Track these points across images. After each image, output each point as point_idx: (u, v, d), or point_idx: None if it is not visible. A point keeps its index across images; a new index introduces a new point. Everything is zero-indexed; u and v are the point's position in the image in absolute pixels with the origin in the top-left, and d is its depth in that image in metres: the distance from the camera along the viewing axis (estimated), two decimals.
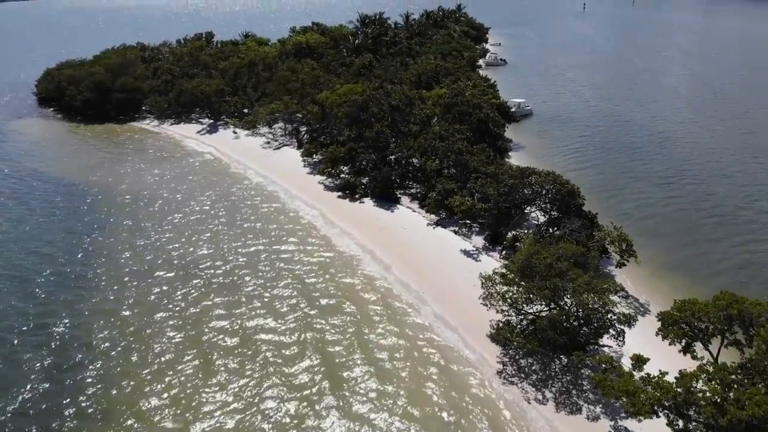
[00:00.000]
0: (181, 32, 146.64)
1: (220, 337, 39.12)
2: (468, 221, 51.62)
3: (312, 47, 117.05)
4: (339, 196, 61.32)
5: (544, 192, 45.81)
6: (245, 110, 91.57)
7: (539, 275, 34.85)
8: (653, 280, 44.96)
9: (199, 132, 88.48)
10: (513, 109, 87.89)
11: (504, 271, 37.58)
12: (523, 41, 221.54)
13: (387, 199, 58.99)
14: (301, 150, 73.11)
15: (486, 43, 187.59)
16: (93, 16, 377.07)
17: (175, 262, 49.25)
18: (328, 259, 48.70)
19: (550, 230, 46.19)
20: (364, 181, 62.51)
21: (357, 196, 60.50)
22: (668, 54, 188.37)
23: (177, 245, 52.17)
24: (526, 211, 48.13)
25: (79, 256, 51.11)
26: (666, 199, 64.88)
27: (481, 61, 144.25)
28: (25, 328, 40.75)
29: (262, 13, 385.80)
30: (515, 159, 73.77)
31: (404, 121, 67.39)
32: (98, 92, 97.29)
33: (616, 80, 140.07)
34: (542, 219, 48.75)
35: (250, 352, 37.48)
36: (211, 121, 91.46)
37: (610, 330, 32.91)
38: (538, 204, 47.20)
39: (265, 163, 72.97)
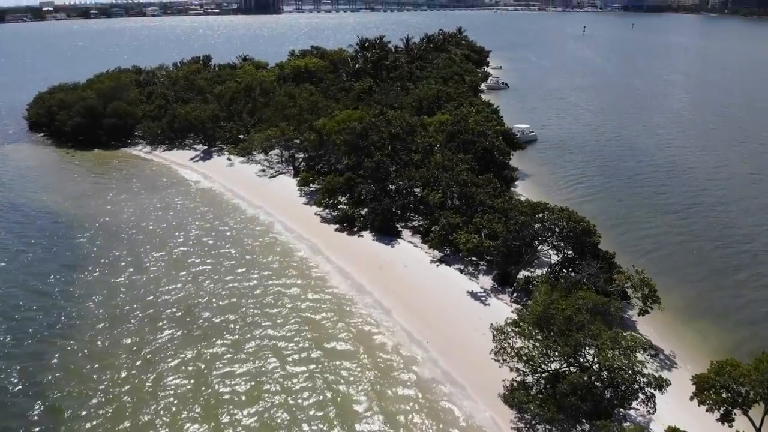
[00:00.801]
0: (190, 53, 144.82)
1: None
2: (474, 258, 47.98)
3: (311, 71, 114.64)
4: (336, 229, 57.73)
5: (557, 230, 42.20)
6: (241, 136, 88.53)
7: (557, 328, 31.12)
8: (678, 327, 41.11)
9: (192, 159, 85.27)
10: (517, 135, 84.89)
11: (517, 318, 33.84)
12: (524, 64, 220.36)
13: (387, 233, 55.40)
14: (298, 178, 69.74)
15: (487, 66, 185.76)
16: (102, 36, 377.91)
17: (155, 302, 45.46)
18: (321, 303, 44.86)
19: (565, 271, 42.49)
20: (362, 212, 59.06)
21: (355, 229, 56.94)
22: (670, 77, 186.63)
23: (159, 283, 48.44)
24: (537, 248, 44.44)
25: (50, 296, 47.27)
26: (679, 230, 61.42)
27: (482, 85, 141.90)
28: None
29: (267, 35, 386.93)
30: (521, 188, 70.47)
31: (405, 149, 64.16)
32: (89, 117, 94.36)
33: (619, 104, 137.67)
34: (555, 257, 45.08)
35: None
36: (205, 147, 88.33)
37: (639, 394, 29.05)
38: (551, 241, 43.57)
39: (260, 193, 69.54)
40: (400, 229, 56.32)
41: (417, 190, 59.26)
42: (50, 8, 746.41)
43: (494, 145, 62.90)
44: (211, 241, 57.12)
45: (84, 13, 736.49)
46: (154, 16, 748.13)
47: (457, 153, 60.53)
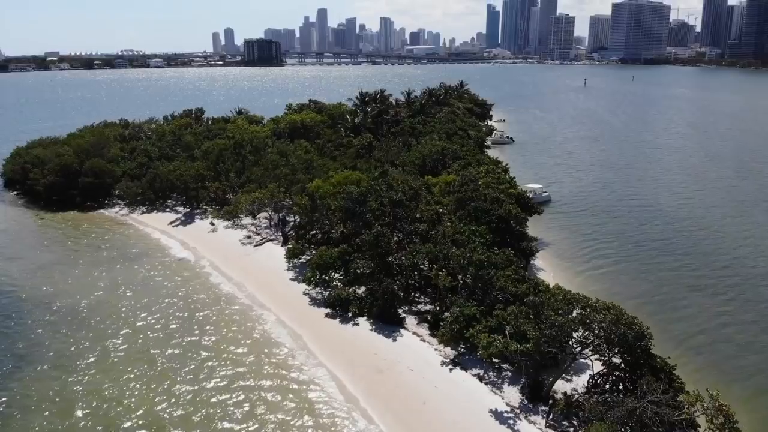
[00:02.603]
0: (187, 105, 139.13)
1: None
2: (497, 360, 38.95)
3: (307, 126, 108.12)
4: (327, 314, 48.81)
5: (602, 334, 33.36)
6: (229, 196, 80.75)
7: None
8: None
9: (172, 223, 77.08)
10: (530, 196, 77.13)
11: None
12: (528, 117, 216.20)
13: (388, 321, 46.49)
14: (287, 248, 61.35)
15: (490, 119, 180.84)
16: (103, 86, 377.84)
17: (114, 418, 36.19)
18: (299, 419, 35.59)
19: (613, 387, 33.44)
20: (359, 292, 50.39)
21: (350, 315, 48.05)
22: (678, 129, 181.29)
23: (120, 388, 39.27)
24: (576, 355, 35.44)
25: None
26: (717, 311, 53.09)
27: (488, 140, 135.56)
28: None
29: (269, 87, 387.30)
30: (541, 260, 62.01)
31: (408, 217, 55.98)
32: (64, 176, 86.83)
33: (630, 158, 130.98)
34: (597, 364, 36.08)
35: None
36: (188, 209, 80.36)
37: None
38: (593, 344, 34.63)
39: (242, 265, 60.92)
40: (403, 315, 47.44)
41: (423, 264, 50.90)
42: (55, 58, 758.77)
43: (511, 214, 54.73)
44: (181, 328, 48.20)
45: (88, 63, 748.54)
46: (157, 67, 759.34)
47: (469, 223, 52.32)
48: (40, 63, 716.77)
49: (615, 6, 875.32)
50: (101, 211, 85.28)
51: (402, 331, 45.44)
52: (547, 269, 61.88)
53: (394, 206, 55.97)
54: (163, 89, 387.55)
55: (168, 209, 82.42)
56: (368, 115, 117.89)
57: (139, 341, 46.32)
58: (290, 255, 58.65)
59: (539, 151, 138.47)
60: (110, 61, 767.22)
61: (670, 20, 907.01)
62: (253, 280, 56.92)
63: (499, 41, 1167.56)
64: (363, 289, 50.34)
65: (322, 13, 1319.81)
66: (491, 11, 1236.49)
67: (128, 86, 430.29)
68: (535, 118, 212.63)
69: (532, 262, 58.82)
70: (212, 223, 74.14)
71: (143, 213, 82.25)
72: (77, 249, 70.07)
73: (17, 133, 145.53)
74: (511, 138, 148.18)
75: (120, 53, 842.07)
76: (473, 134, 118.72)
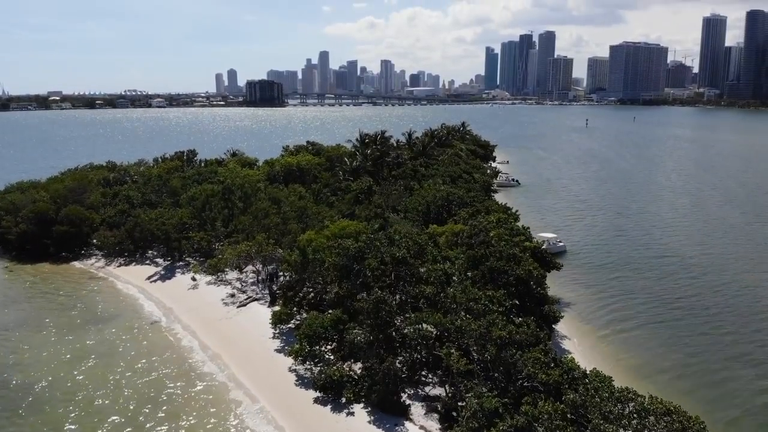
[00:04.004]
0: (184, 145, 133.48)
1: None
2: None
3: (303, 169, 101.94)
4: (317, 399, 40.97)
5: None
6: (217, 245, 73.68)
7: None
8: None
9: (150, 278, 69.72)
10: (543, 246, 70.06)
11: None
12: (531, 157, 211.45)
13: (389, 410, 38.67)
14: (273, 310, 53.86)
15: (494, 161, 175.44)
16: (102, 126, 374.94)
17: None
18: None
19: None
20: (355, 369, 42.80)
21: (344, 401, 40.24)
22: (690, 171, 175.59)
23: None
24: None
25: None
26: None
27: (493, 183, 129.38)
28: None
29: (269, 128, 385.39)
30: (563, 324, 54.29)
31: (413, 277, 48.72)
32: (38, 224, 79.95)
33: (643, 202, 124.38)
34: None
35: None
36: (168, 262, 73.15)
37: None
38: None
39: (222, 332, 53.29)
40: (407, 401, 39.63)
41: (429, 328, 43.46)
42: (57, 98, 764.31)
43: (531, 274, 47.50)
44: (143, 414, 40.38)
45: (89, 103, 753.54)
46: (159, 107, 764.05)
47: (484, 286, 45.08)
48: (42, 102, 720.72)
49: (612, 48, 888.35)
50: (76, 262, 78.09)
51: (407, 424, 37.47)
52: (570, 334, 54.47)
53: (396, 264, 48.78)
54: (162, 129, 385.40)
55: (148, 261, 75.20)
56: (368, 157, 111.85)
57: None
58: (276, 321, 51.10)
59: (546, 194, 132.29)
60: (112, 101, 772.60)
61: (668, 61, 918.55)
62: (233, 350, 49.23)
63: (498, 83, 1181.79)
64: (359, 365, 42.77)
65: (323, 56, 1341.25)
66: (490, 54, 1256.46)
67: (124, 126, 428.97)
68: (539, 159, 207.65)
69: (555, 328, 51.30)
70: (194, 279, 66.79)
71: (120, 265, 75.02)
72: (44, 308, 62.58)
73: (4, 174, 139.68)
74: (517, 180, 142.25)
75: (123, 93, 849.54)
76: (478, 177, 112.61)
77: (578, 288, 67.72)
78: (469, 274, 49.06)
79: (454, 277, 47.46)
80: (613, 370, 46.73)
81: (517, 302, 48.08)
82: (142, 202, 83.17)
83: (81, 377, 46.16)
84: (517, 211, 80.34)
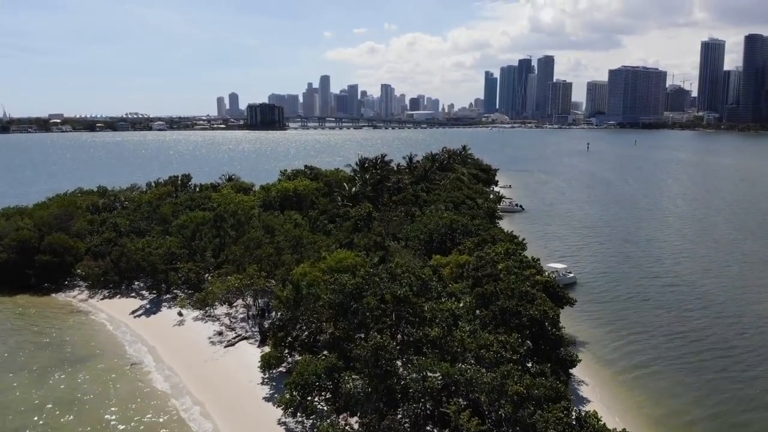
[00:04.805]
0: (180, 170, 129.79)
1: None
2: None
3: (301, 195, 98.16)
4: None
5: None
6: (208, 275, 69.48)
7: None
8: None
9: (134, 312, 65.31)
10: (554, 277, 65.85)
11: None
12: (533, 181, 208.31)
13: None
14: (263, 351, 49.43)
15: (496, 185, 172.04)
16: (100, 149, 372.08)
17: None
18: None
19: None
20: (352, 422, 38.25)
21: None
22: (697, 196, 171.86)
23: None
24: None
25: None
26: None
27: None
28: None
29: (270, 150, 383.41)
30: (581, 370, 49.57)
31: (416, 317, 44.40)
32: (20, 253, 75.77)
33: (650, 229, 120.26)
34: None
35: None
36: (154, 295, 68.82)
37: None
38: None
39: (207, 376, 48.76)
40: None
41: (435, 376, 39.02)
42: (58, 120, 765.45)
43: (546, 314, 43.20)
44: None
45: (90, 125, 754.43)
46: (160, 130, 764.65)
47: (495, 328, 40.79)
48: (42, 125, 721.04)
49: (611, 72, 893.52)
50: (58, 295, 73.75)
51: None
52: (587, 378, 49.88)
53: (398, 303, 44.54)
54: (160, 151, 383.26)
55: (133, 294, 70.85)
56: (368, 182, 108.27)
57: None
58: (265, 365, 46.62)
59: (551, 220, 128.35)
60: (112, 124, 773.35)
61: (667, 85, 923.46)
62: (218, 398, 44.67)
63: (497, 106, 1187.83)
64: (356, 419, 38.24)
65: (324, 80, 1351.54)
66: (489, 78, 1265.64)
67: (124, 149, 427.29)
68: (541, 183, 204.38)
69: (572, 374, 46.85)
70: (180, 314, 62.35)
71: (104, 298, 70.65)
72: (17, 346, 58.04)
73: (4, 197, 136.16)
74: (521, 206, 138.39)
75: (124, 116, 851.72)
76: (481, 202, 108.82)
77: (591, 324, 63.31)
78: (478, 312, 44.75)
79: (461, 319, 43.09)
80: (637, 423, 42.40)
81: (530, 344, 43.83)
82: (129, 230, 79.08)
83: (48, 430, 41.59)
84: (524, 239, 76.34)
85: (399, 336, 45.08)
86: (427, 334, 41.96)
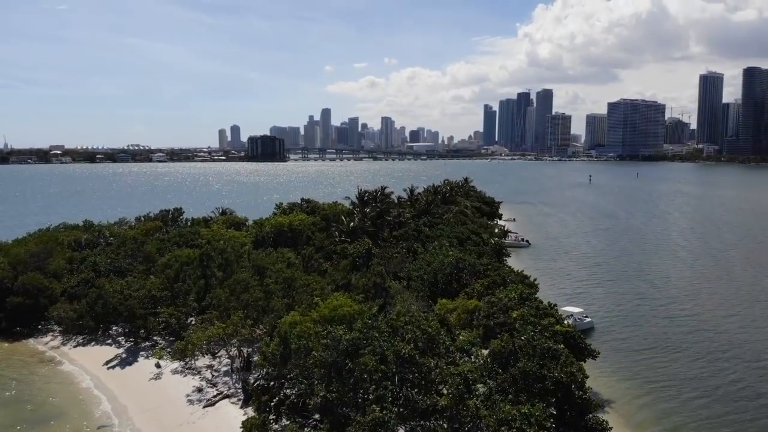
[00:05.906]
0: (174, 202, 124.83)
1: None
2: None
3: (296, 230, 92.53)
4: None
5: None
6: (192, 319, 63.40)
7: None
8: None
9: (109, 362, 59.02)
10: (569, 322, 59.96)
11: None
12: (536, 214, 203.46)
13: None
14: (246, 416, 43.17)
15: (500, 218, 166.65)
16: (98, 181, 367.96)
17: None
18: None
19: None
20: None
21: None
22: (709, 230, 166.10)
23: None
24: None
25: None
26: None
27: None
28: None
29: (270, 183, 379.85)
30: None
31: (422, 380, 38.33)
32: None
33: (664, 265, 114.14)
34: None
35: None
36: (132, 343, 62.63)
37: None
38: None
39: None
40: None
41: None
42: (58, 151, 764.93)
43: (574, 377, 37.17)
44: None
45: (90, 157, 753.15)
46: (160, 161, 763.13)
47: (516, 395, 34.78)
48: (42, 156, 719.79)
49: (610, 105, 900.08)
50: (29, 341, 67.54)
51: None
52: None
53: (401, 363, 38.51)
54: (155, 184, 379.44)
55: (109, 340, 64.64)
56: (367, 216, 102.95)
57: None
58: (249, 431, 40.33)
59: (557, 256, 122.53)
60: (113, 155, 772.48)
61: (665, 118, 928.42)
62: None
63: (496, 138, 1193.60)
64: None
65: (325, 113, 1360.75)
66: (488, 111, 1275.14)
67: (119, 181, 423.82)
68: (545, 216, 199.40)
69: None
70: (158, 365, 56.09)
71: (78, 345, 64.46)
72: None
73: None
74: (527, 241, 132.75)
75: (125, 147, 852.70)
76: (487, 237, 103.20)
77: (616, 378, 57.00)
78: (494, 375, 38.61)
79: (475, 382, 36.99)
80: None
81: (554, 412, 37.73)
82: (109, 270, 73.22)
83: None
84: (535, 280, 70.51)
85: (401, 399, 38.99)
86: (435, 403, 35.86)
